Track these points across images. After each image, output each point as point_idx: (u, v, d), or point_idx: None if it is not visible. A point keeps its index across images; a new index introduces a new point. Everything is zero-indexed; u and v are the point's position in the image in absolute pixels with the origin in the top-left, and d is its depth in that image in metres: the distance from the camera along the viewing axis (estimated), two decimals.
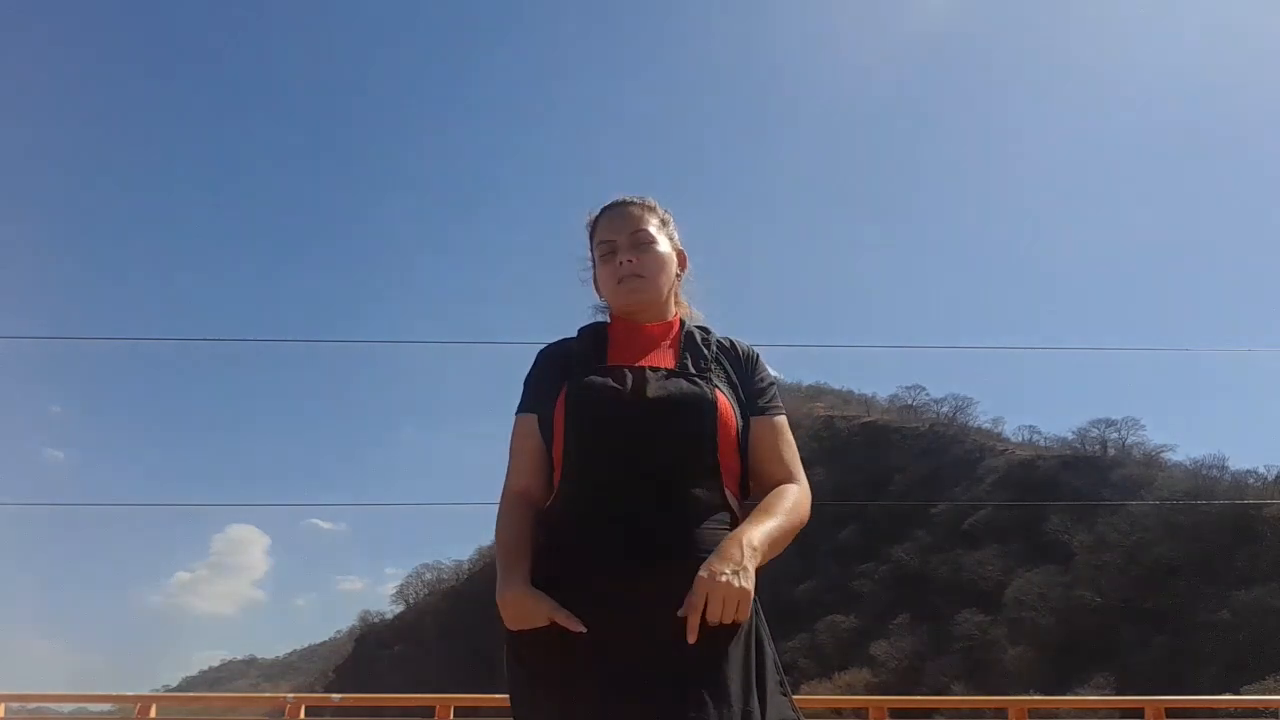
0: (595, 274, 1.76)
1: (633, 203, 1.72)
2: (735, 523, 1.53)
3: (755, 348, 1.72)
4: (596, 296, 1.78)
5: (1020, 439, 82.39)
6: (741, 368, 1.66)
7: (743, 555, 1.39)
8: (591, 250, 1.76)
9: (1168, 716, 4.07)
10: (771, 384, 1.68)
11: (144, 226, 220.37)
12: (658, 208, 1.74)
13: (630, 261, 1.65)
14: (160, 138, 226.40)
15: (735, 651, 1.39)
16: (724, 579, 1.35)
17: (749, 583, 1.38)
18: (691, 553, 1.43)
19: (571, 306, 1.83)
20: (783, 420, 1.64)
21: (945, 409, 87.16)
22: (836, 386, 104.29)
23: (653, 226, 1.69)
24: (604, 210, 1.74)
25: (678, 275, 1.75)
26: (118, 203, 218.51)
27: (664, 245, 1.70)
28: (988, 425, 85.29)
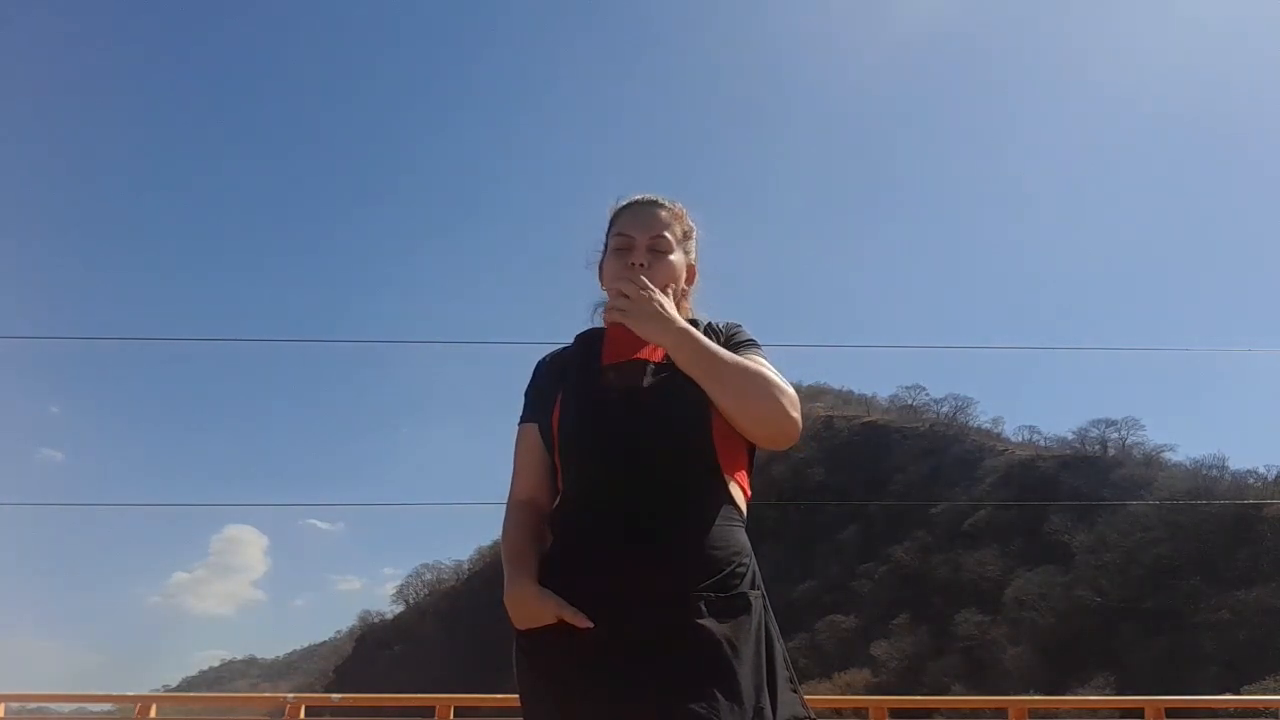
0: (603, 262, 1.75)
1: (663, 206, 1.71)
2: (739, 512, 1.53)
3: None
4: (599, 283, 1.78)
5: (1020, 439, 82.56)
6: (722, 342, 1.65)
7: (672, 310, 1.53)
8: (607, 236, 1.75)
9: (1168, 716, 4.06)
10: (750, 339, 1.66)
11: (143, 226, 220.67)
12: (685, 217, 1.73)
13: (642, 266, 1.64)
14: (159, 138, 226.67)
15: (746, 648, 1.39)
16: (646, 294, 1.51)
17: (662, 311, 1.51)
18: (696, 545, 1.43)
19: (572, 306, 1.83)
20: (759, 357, 1.60)
21: (945, 409, 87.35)
22: (836, 386, 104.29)
23: (674, 236, 1.69)
24: (632, 203, 1.72)
25: (684, 290, 1.74)
26: (117, 203, 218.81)
27: (678, 256, 1.69)
28: (988, 425, 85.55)
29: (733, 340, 1.66)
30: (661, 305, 1.51)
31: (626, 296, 1.52)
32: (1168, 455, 70.94)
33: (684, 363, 1.50)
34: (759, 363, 1.57)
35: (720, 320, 1.75)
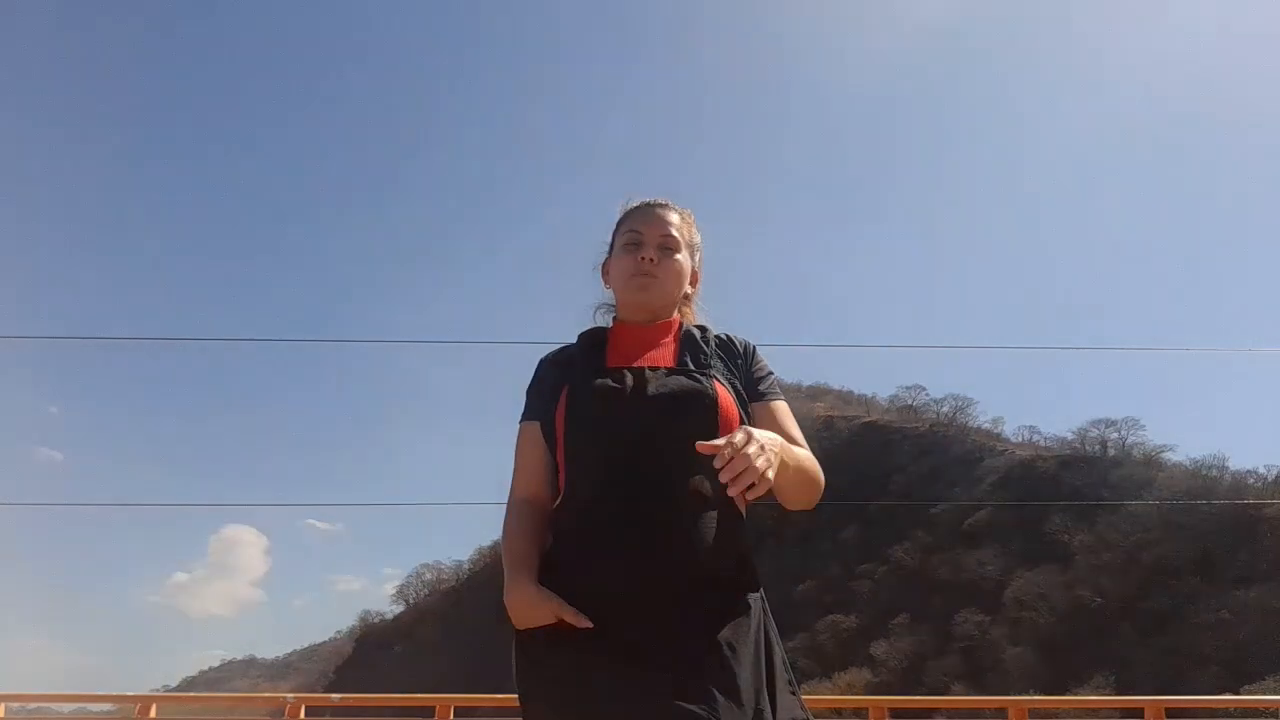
0: (609, 261, 1.76)
1: (673, 209, 1.73)
2: (739, 518, 1.53)
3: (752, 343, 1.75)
4: (603, 283, 1.79)
5: (1020, 439, 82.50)
6: (740, 360, 1.68)
7: (779, 447, 1.40)
8: (614, 236, 1.75)
9: (1168, 716, 4.05)
10: (770, 373, 1.70)
11: (143, 226, 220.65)
12: (694, 225, 1.76)
13: (650, 260, 1.66)
14: (160, 139, 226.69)
15: (745, 650, 1.39)
16: (756, 450, 1.29)
17: (772, 470, 1.34)
18: (696, 549, 1.43)
19: (570, 307, 1.83)
20: (783, 405, 1.65)
21: (945, 409, 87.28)
22: (836, 386, 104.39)
23: (682, 238, 1.71)
24: (643, 203, 1.74)
25: (687, 295, 1.76)
26: (117, 203, 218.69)
27: (684, 258, 1.71)
28: (988, 425, 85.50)
29: (754, 375, 1.67)
30: (762, 449, 1.34)
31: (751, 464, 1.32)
32: (1168, 455, 70.90)
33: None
34: (795, 435, 1.58)
35: (727, 330, 1.75)
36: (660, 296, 1.67)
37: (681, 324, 1.72)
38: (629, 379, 1.54)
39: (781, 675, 1.45)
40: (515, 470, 1.64)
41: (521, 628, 1.45)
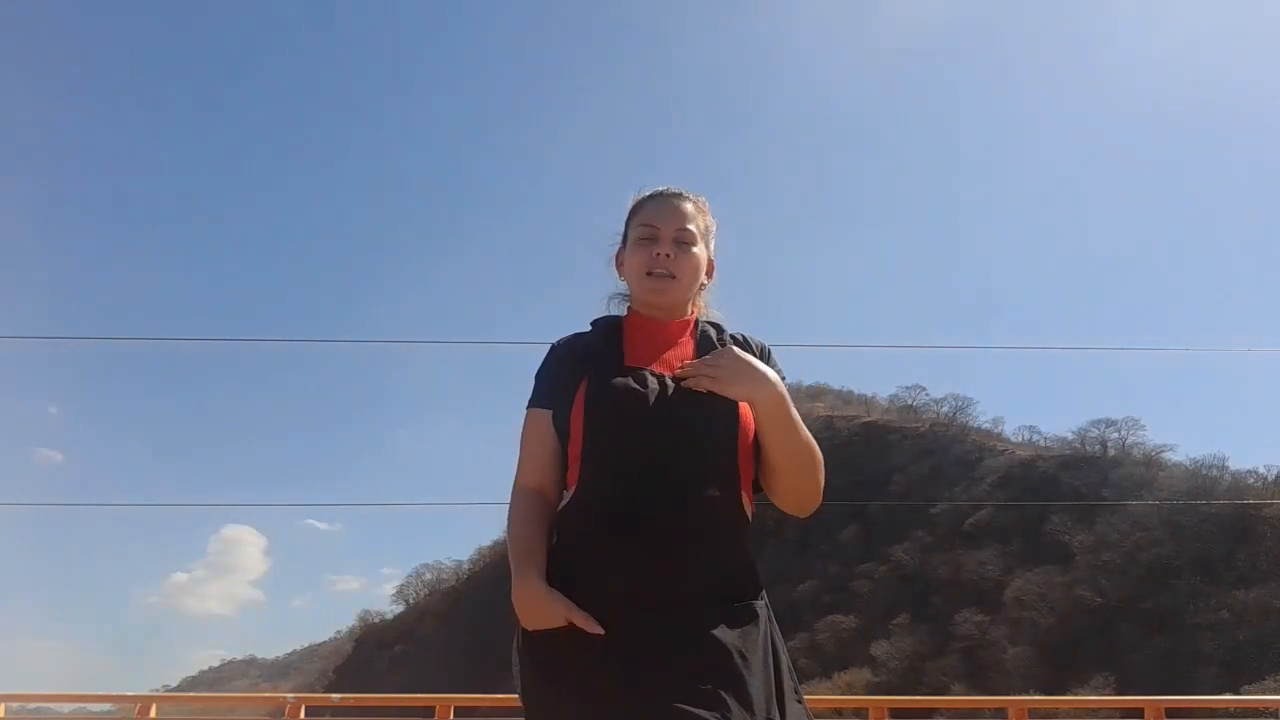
0: (622, 253, 1.73)
1: (687, 198, 1.68)
2: (746, 524, 1.53)
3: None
4: (616, 276, 1.75)
5: (1020, 439, 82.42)
6: None
7: (778, 379, 1.51)
8: (627, 228, 1.71)
9: (1168, 716, 4.07)
10: (783, 378, 1.66)
11: (142, 226, 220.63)
12: (708, 212, 1.72)
13: (668, 256, 1.61)
14: (161, 136, 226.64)
15: (755, 658, 1.38)
16: (750, 360, 1.48)
17: (770, 385, 1.48)
18: (709, 556, 1.43)
19: (570, 308, 1.82)
20: (794, 413, 1.62)
21: (945, 409, 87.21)
22: (836, 386, 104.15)
23: (698, 229, 1.67)
24: (656, 194, 1.69)
25: (702, 285, 1.72)
26: (117, 202, 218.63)
27: (700, 250, 1.67)
28: (988, 425, 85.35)
29: None
30: (750, 360, 1.49)
31: (717, 365, 1.48)
32: (1168, 455, 70.81)
33: (769, 418, 1.48)
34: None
35: (740, 329, 1.73)
36: (677, 294, 1.64)
37: (698, 321, 1.69)
38: (651, 382, 1.51)
39: (788, 683, 1.44)
40: (522, 457, 1.59)
41: (530, 629, 1.43)
